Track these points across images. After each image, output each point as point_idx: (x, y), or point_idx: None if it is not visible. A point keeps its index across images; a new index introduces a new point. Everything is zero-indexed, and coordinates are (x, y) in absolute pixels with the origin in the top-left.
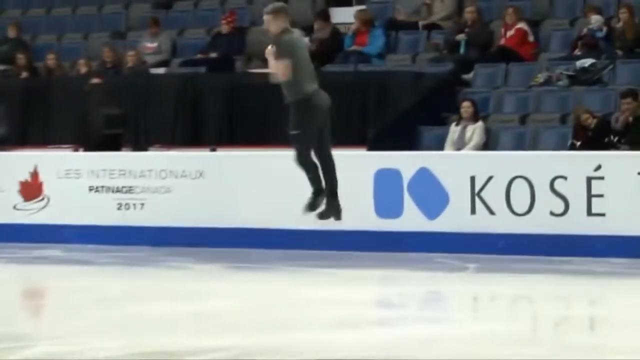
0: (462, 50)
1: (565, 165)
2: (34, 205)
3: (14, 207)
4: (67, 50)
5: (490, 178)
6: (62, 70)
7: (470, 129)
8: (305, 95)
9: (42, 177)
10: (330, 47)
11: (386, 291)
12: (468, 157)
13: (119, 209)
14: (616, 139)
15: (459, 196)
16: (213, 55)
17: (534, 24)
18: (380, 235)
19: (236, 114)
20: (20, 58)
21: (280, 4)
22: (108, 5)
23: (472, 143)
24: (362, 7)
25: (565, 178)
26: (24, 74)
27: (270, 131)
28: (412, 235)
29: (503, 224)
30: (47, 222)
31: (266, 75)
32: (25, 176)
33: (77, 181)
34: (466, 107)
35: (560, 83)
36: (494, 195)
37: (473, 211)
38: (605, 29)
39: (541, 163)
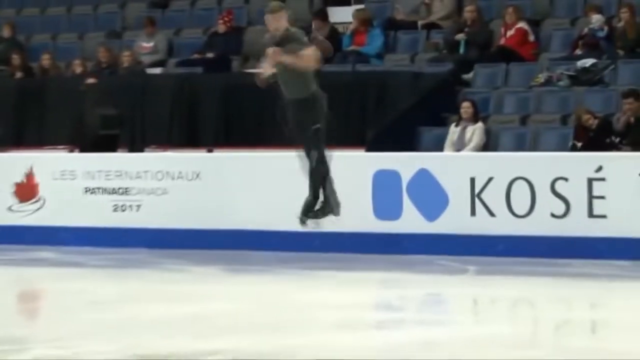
0: (461, 50)
1: (566, 166)
2: (29, 206)
3: (9, 209)
4: (62, 50)
5: (490, 179)
6: (57, 71)
7: (470, 129)
8: (315, 91)
9: (37, 178)
10: None
11: (385, 294)
12: (468, 158)
13: (114, 210)
14: (618, 139)
15: (458, 198)
16: (210, 55)
17: (535, 24)
18: (379, 237)
19: (233, 114)
20: (15, 58)
21: (279, 2)
22: (103, 5)
23: (472, 144)
24: (361, 6)
25: (566, 179)
26: (19, 74)
27: (267, 132)
28: (411, 237)
29: (503, 225)
30: (42, 224)
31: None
32: (20, 177)
33: (72, 182)
34: (466, 108)
35: (561, 83)
36: (494, 196)
37: (473, 213)
38: (606, 28)
39: (542, 164)
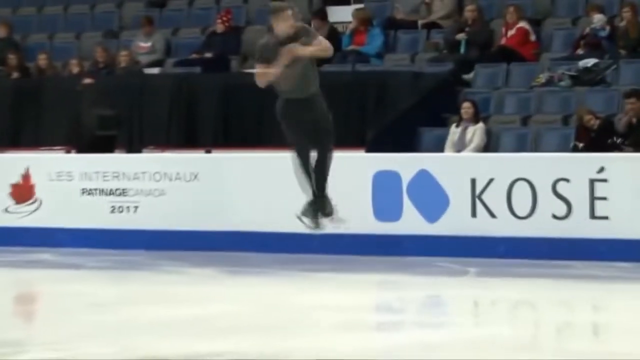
0: (462, 50)
1: (568, 167)
2: (25, 208)
3: (5, 210)
4: (58, 50)
5: (491, 180)
6: (54, 71)
7: (470, 130)
8: (317, 91)
9: (33, 179)
10: None
11: (385, 296)
12: (468, 159)
13: (112, 211)
14: (620, 140)
15: (459, 199)
16: (208, 55)
17: (536, 23)
18: (379, 238)
19: (232, 114)
20: (11, 58)
21: (282, 1)
22: (100, 4)
23: (473, 144)
24: (360, 5)
25: (567, 180)
26: (15, 75)
27: (266, 132)
28: (411, 238)
29: (504, 227)
30: (39, 225)
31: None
32: (17, 178)
33: (69, 183)
34: (466, 108)
35: (563, 83)
36: (495, 197)
37: (474, 214)
38: (608, 28)
39: (543, 165)
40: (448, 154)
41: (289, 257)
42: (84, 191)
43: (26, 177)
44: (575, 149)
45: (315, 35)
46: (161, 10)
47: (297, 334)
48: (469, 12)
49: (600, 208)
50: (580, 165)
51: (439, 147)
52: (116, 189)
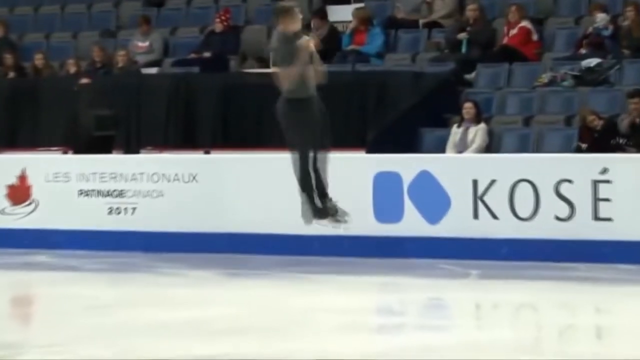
0: (463, 50)
1: (571, 168)
2: (22, 209)
3: (1, 212)
4: (55, 50)
5: (493, 181)
6: (51, 71)
7: (472, 130)
8: (315, 93)
9: (30, 180)
10: (328, 46)
11: (386, 298)
12: (470, 159)
13: (109, 213)
14: (623, 141)
15: (460, 200)
16: (206, 54)
17: (538, 22)
18: (379, 240)
19: (231, 115)
20: (7, 58)
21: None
22: (98, 4)
23: (475, 145)
24: (361, 4)
25: (570, 181)
26: (11, 74)
27: (266, 132)
28: (412, 240)
29: (506, 228)
30: (36, 227)
31: (264, 74)
32: (13, 180)
33: (66, 185)
34: (468, 108)
35: (565, 83)
36: (497, 199)
37: (475, 216)
38: (611, 27)
39: (546, 166)
40: (449, 154)
41: (289, 259)
42: (81, 192)
43: (22, 178)
44: (578, 150)
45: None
46: (159, 10)
47: (297, 336)
48: (471, 11)
49: (604, 209)
50: (583, 166)
51: (440, 148)
52: (114, 190)
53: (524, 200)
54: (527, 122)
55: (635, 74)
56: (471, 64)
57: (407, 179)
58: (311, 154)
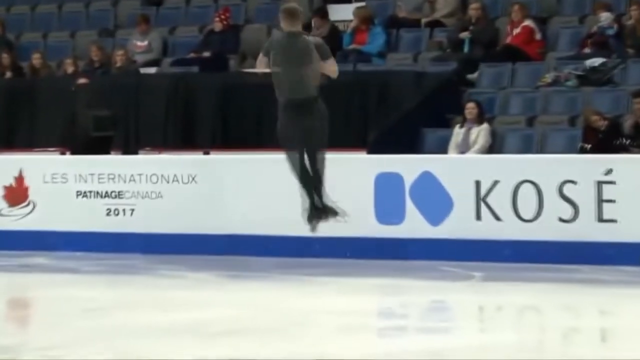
0: (466, 49)
1: (575, 169)
2: (19, 211)
3: None
4: (53, 49)
5: (496, 182)
6: (48, 70)
7: (475, 131)
8: (316, 94)
9: (27, 181)
10: (329, 46)
11: (387, 300)
12: (473, 160)
13: (108, 214)
14: (628, 141)
15: (463, 201)
16: (206, 54)
17: (541, 22)
18: (381, 242)
19: (230, 115)
20: (4, 57)
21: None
22: (95, 2)
23: (477, 146)
24: (362, 3)
25: (574, 182)
26: (8, 74)
27: (266, 133)
28: (414, 242)
29: (509, 230)
30: (33, 229)
31: (262, 75)
32: (10, 181)
33: (64, 186)
34: (471, 109)
35: (569, 83)
36: (500, 200)
37: (478, 217)
38: (615, 26)
39: (549, 167)
40: (452, 155)
41: (290, 261)
42: (79, 193)
43: (20, 179)
44: (582, 151)
45: (330, 55)
46: (158, 8)
47: (297, 338)
48: (473, 10)
49: (608, 211)
50: (587, 167)
51: (442, 149)
52: (112, 192)
53: (527, 201)
54: (530, 122)
55: (639, 73)
56: (474, 63)
57: (409, 179)
58: (305, 154)
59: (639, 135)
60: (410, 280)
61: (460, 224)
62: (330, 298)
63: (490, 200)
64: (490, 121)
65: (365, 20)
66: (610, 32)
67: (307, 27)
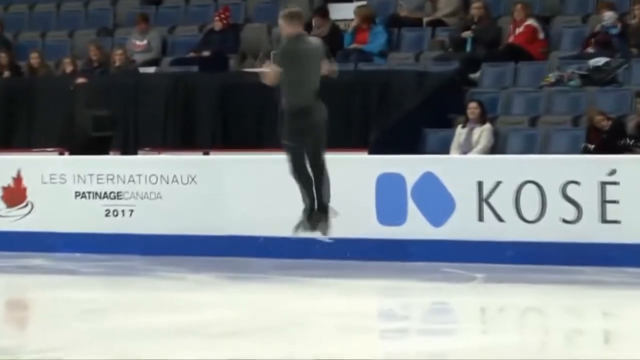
0: (468, 48)
1: (578, 169)
2: (17, 211)
3: None
4: (51, 49)
5: (498, 183)
6: (47, 70)
7: (477, 131)
8: (314, 102)
9: (25, 182)
10: (330, 45)
11: (389, 302)
12: (475, 161)
13: (106, 215)
14: (631, 141)
15: (465, 202)
16: (206, 53)
17: (544, 21)
18: (382, 243)
19: (230, 115)
20: (2, 57)
21: (296, 8)
22: (94, 1)
23: (480, 146)
24: (363, 2)
25: (577, 183)
26: (6, 74)
27: (266, 133)
28: (416, 243)
29: (512, 231)
30: (31, 230)
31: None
32: (8, 181)
33: (62, 186)
34: (473, 108)
35: (572, 83)
36: (502, 201)
37: (480, 218)
38: (619, 25)
39: (552, 167)
40: (454, 155)
41: (290, 263)
42: (78, 194)
43: (18, 179)
44: (586, 151)
45: (329, 55)
46: (157, 7)
47: (297, 341)
48: (476, 9)
49: (612, 212)
50: (590, 167)
51: (444, 149)
52: (111, 192)
53: (530, 202)
54: (533, 122)
55: None
56: (476, 63)
57: (411, 180)
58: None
59: None
60: (412, 281)
61: (462, 225)
62: (330, 300)
63: (492, 201)
64: (492, 121)
65: (367, 19)
66: (614, 31)
67: (308, 27)
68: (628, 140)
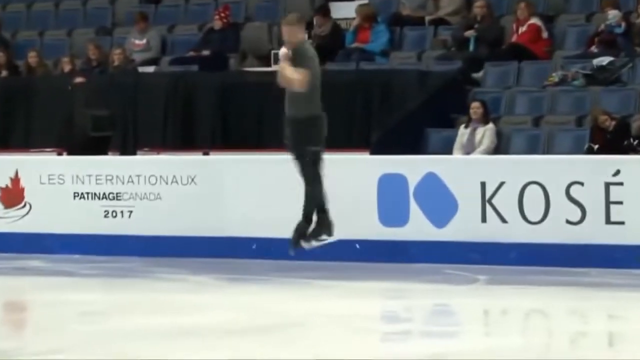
0: (471, 48)
1: (582, 170)
2: (15, 212)
3: None
4: (49, 48)
5: (501, 184)
6: (45, 69)
7: (480, 131)
8: (315, 113)
9: (23, 182)
10: (331, 44)
11: (391, 304)
12: (478, 161)
13: (105, 216)
14: (636, 142)
15: (468, 203)
16: (205, 52)
17: (548, 20)
18: (384, 244)
19: (231, 114)
20: (0, 56)
21: (297, 14)
22: (93, 0)
23: (483, 146)
24: (364, 1)
25: (581, 184)
26: (4, 73)
27: (267, 133)
28: (418, 244)
29: (516, 232)
30: (29, 231)
31: (263, 74)
32: (6, 182)
33: (61, 187)
34: (476, 108)
35: (576, 82)
36: (506, 202)
37: (484, 219)
38: (623, 24)
39: (556, 168)
40: (457, 156)
41: (291, 264)
42: (76, 195)
43: (16, 180)
44: (590, 151)
45: (300, 62)
46: (156, 6)
47: (298, 343)
48: (478, 8)
49: (616, 213)
50: (594, 168)
51: (447, 149)
52: (109, 193)
53: (534, 203)
54: (536, 122)
55: None
56: (479, 62)
57: (413, 181)
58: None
59: None
60: (414, 283)
61: (465, 226)
62: (331, 301)
63: (495, 202)
64: (495, 121)
65: (368, 18)
66: (618, 30)
67: (309, 26)
68: (632, 141)
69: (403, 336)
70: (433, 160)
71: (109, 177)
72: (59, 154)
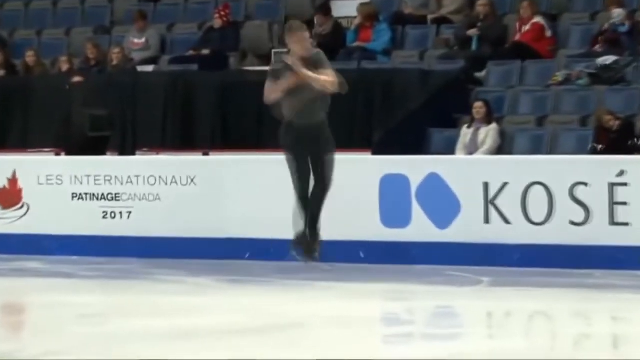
0: (474, 47)
1: (586, 170)
2: (12, 213)
3: None
4: (47, 47)
5: (505, 185)
6: (43, 68)
7: (483, 131)
8: (325, 119)
9: (21, 183)
10: (332, 43)
11: (392, 306)
12: (481, 161)
13: (104, 217)
14: None
15: (471, 204)
16: (205, 51)
17: (552, 18)
18: (386, 246)
19: (230, 114)
20: None
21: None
22: None
23: (486, 147)
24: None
25: (586, 184)
26: (1, 72)
27: (267, 133)
28: (420, 246)
29: (519, 234)
30: (27, 232)
31: (263, 73)
32: (3, 182)
33: (59, 188)
34: (479, 108)
35: (580, 82)
36: (509, 203)
37: (487, 220)
38: (628, 23)
39: (560, 168)
40: (459, 156)
41: (291, 266)
42: (75, 196)
43: (13, 180)
44: (594, 151)
45: (327, 66)
46: (155, 5)
47: (298, 345)
48: (481, 6)
49: (621, 213)
50: (599, 168)
51: (449, 149)
52: (108, 194)
53: (537, 204)
54: (540, 122)
55: None
56: (482, 61)
57: (415, 181)
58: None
59: None
60: (416, 285)
61: (468, 227)
62: (332, 303)
63: (499, 202)
64: (499, 121)
65: (370, 16)
66: (623, 29)
67: (310, 25)
68: (637, 141)
69: (404, 338)
70: (435, 160)
71: (108, 178)
72: (57, 154)
